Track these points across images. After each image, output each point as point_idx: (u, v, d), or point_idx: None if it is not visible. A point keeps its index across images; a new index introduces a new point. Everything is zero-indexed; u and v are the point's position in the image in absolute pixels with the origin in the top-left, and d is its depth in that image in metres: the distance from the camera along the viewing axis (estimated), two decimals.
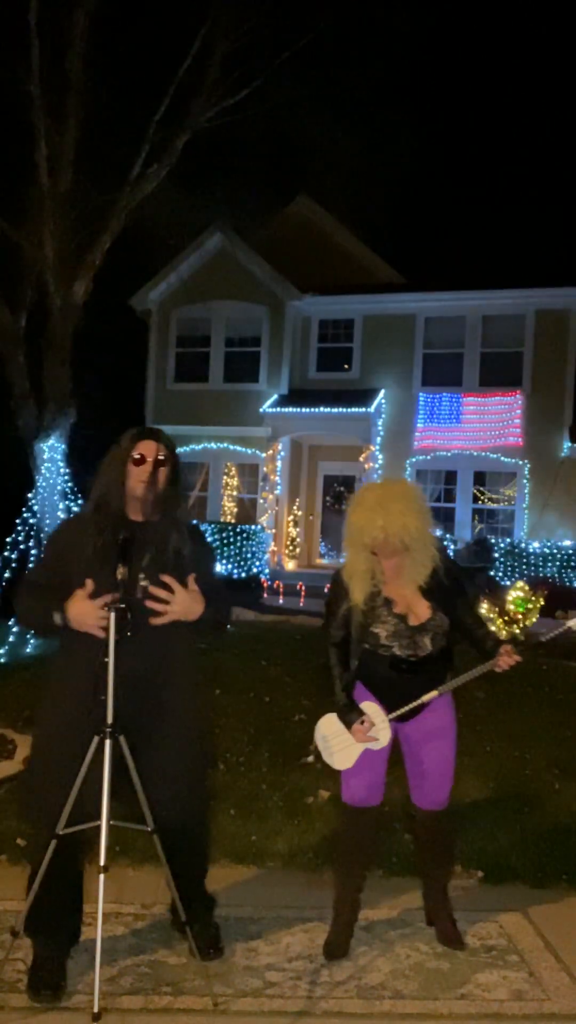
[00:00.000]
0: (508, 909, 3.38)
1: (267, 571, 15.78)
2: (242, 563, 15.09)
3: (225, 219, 17.13)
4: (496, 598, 9.90)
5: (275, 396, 16.79)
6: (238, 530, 15.45)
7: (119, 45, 12.77)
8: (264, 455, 16.62)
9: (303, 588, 14.51)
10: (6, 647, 8.19)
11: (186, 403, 17.14)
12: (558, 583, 13.96)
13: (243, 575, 14.96)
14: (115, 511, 2.69)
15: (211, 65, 13.28)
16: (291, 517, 17.11)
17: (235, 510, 17.45)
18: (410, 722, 2.97)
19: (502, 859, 3.77)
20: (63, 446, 13.41)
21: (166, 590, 2.63)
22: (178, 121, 13.53)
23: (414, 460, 16.52)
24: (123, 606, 2.46)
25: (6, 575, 8.88)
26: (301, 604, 13.52)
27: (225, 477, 17.35)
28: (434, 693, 2.89)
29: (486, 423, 16.20)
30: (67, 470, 11.45)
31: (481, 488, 16.49)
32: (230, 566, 14.99)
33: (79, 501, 10.72)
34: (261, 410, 16.51)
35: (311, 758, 3.06)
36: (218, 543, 14.93)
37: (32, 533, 9.76)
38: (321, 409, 16.01)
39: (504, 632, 9.37)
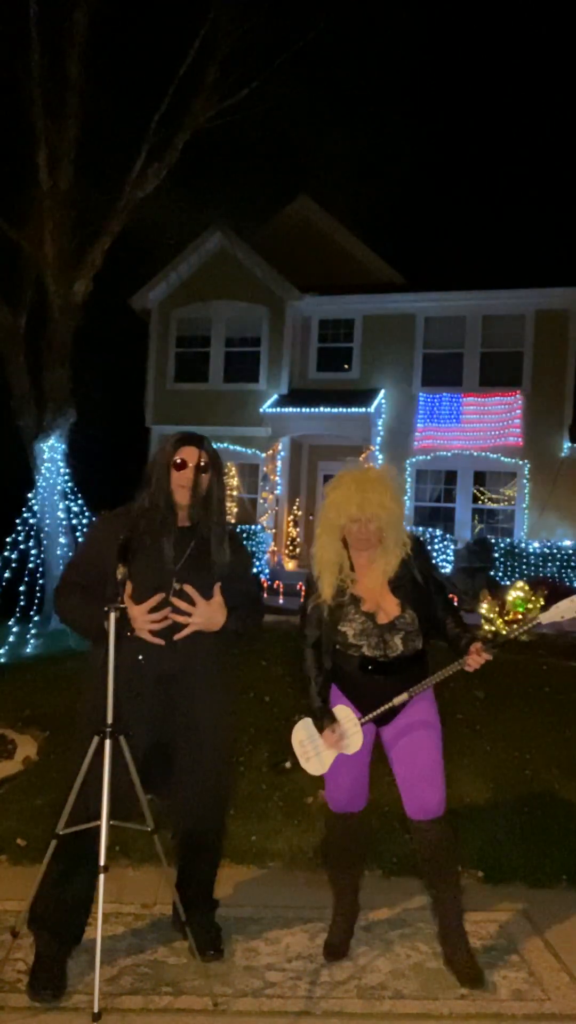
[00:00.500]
0: (508, 909, 3.38)
1: (267, 571, 15.78)
2: None
3: (225, 219, 17.12)
4: (496, 598, 9.90)
5: (275, 396, 16.79)
6: (238, 530, 15.45)
7: (119, 45, 12.77)
8: (264, 455, 16.62)
9: (303, 588, 14.48)
10: (6, 647, 8.19)
11: (186, 403, 17.14)
12: (558, 583, 13.95)
13: None
14: (160, 515, 2.70)
15: (211, 65, 13.28)
16: (291, 517, 17.11)
17: (235, 510, 17.45)
18: (389, 726, 2.88)
19: (502, 859, 3.77)
20: (63, 446, 13.41)
21: (188, 601, 2.65)
22: (178, 121, 13.52)
23: (414, 460, 16.52)
24: (123, 606, 2.47)
25: (6, 575, 8.88)
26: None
27: (225, 477, 17.36)
28: (404, 696, 2.78)
29: (486, 423, 16.20)
30: (67, 470, 11.46)
31: (481, 488, 16.49)
32: None
33: (79, 501, 10.73)
34: (261, 410, 16.51)
35: (288, 764, 3.01)
36: None
37: (32, 533, 9.76)
38: (321, 409, 16.01)
39: (504, 632, 9.37)
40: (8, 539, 9.37)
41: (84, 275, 13.13)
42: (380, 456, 16.45)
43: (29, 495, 10.44)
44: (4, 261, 13.27)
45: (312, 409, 16.07)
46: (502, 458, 16.04)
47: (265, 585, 15.14)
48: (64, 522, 11.03)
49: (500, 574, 14.62)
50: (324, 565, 2.89)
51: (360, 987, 2.80)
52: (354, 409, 15.96)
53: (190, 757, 2.71)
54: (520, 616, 9.62)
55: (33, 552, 9.61)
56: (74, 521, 10.76)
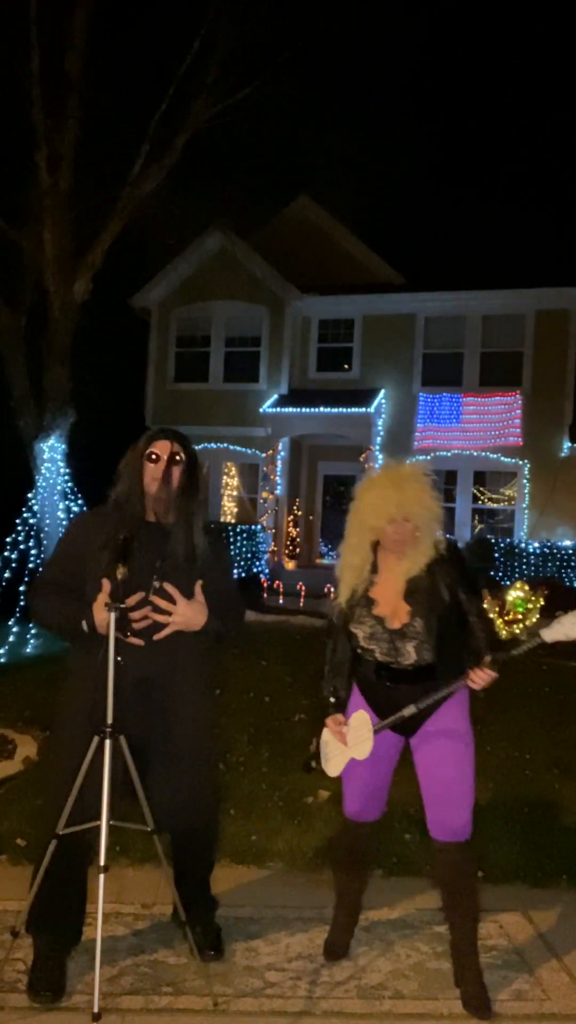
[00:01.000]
0: (508, 909, 3.38)
1: (267, 571, 15.78)
2: (242, 563, 15.09)
3: (225, 219, 17.12)
4: (496, 598, 9.90)
5: (275, 396, 16.79)
6: (238, 530, 15.45)
7: (119, 45, 12.77)
8: (264, 455, 16.62)
9: (303, 588, 14.51)
10: (6, 647, 8.19)
11: (186, 403, 17.14)
12: (558, 583, 13.95)
13: (243, 575, 14.95)
14: (131, 510, 2.68)
15: (211, 65, 13.28)
16: (291, 517, 17.11)
17: (235, 510, 17.45)
18: (416, 735, 2.78)
19: (502, 859, 3.77)
20: (63, 446, 13.41)
21: (168, 600, 2.63)
22: (178, 121, 13.53)
23: (414, 460, 16.44)
24: (123, 606, 2.46)
25: (6, 575, 8.88)
26: (301, 604, 13.52)
27: (225, 477, 17.35)
28: (412, 708, 2.68)
29: (486, 423, 16.20)
30: (67, 470, 11.46)
31: (481, 488, 16.49)
32: None
33: (79, 501, 10.73)
34: (261, 410, 16.51)
35: (314, 763, 3.00)
36: None
37: (32, 533, 9.76)
38: (321, 409, 16.01)
39: (505, 632, 9.37)
40: (8, 539, 9.37)
41: (84, 275, 13.14)
42: (380, 456, 16.45)
43: (29, 495, 10.44)
44: (4, 261, 13.28)
45: (312, 409, 16.07)
46: (502, 458, 16.04)
47: (265, 585, 15.15)
48: (64, 522, 11.03)
49: (500, 574, 14.62)
50: (347, 568, 2.80)
51: (360, 987, 2.80)
52: (354, 409, 15.96)
53: (172, 759, 2.70)
54: (519, 616, 9.62)
55: (33, 552, 9.61)
56: None
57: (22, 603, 8.95)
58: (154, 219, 14.40)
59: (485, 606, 9.73)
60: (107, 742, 2.44)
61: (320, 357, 17.40)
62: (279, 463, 16.55)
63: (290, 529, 17.07)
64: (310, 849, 3.82)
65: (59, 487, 11.33)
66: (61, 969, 2.72)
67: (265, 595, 14.52)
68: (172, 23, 13.26)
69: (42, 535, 10.37)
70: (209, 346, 17.48)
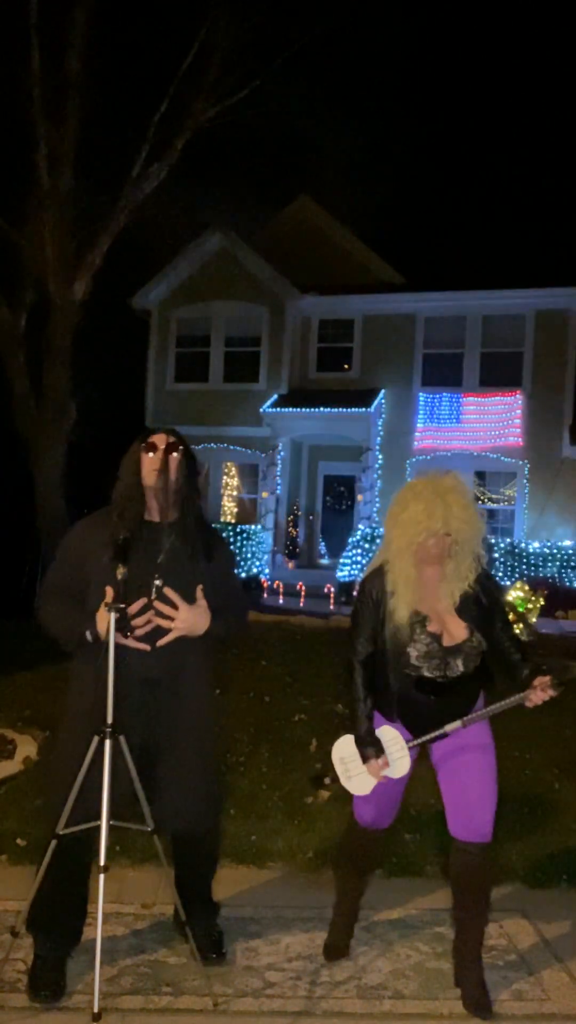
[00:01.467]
0: (508, 909, 3.37)
1: (267, 571, 15.78)
2: (242, 563, 15.09)
3: (225, 219, 17.14)
4: None
5: (275, 396, 16.79)
6: (238, 530, 15.46)
7: (119, 45, 12.78)
8: (264, 455, 16.62)
9: (303, 588, 14.51)
10: (6, 647, 8.19)
11: (186, 403, 17.14)
12: (558, 583, 13.96)
13: (243, 575, 14.96)
14: (132, 509, 2.69)
15: (211, 65, 13.29)
16: (291, 517, 17.10)
17: (235, 510, 17.44)
18: (439, 747, 2.74)
19: (502, 859, 3.77)
20: (63, 446, 13.43)
21: (171, 605, 2.63)
22: (178, 121, 13.53)
23: (414, 460, 16.52)
24: (123, 606, 2.46)
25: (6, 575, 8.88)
26: (301, 604, 13.52)
27: (225, 477, 17.35)
28: (457, 724, 2.64)
29: (486, 423, 16.20)
30: (67, 470, 11.47)
31: (481, 488, 16.49)
32: None
33: (79, 501, 10.74)
34: (261, 410, 16.51)
35: (328, 780, 2.91)
36: None
37: (32, 532, 9.77)
38: (321, 409, 16.01)
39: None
40: (8, 539, 9.38)
41: (84, 275, 13.15)
42: (380, 456, 16.46)
43: (29, 495, 10.45)
44: (4, 261, 13.28)
45: (312, 409, 16.07)
46: (502, 458, 16.04)
47: (265, 585, 15.14)
48: (64, 522, 11.03)
49: (500, 574, 14.62)
50: (402, 581, 2.65)
51: (360, 987, 2.80)
52: (354, 409, 15.96)
53: (176, 760, 2.70)
54: (519, 616, 9.62)
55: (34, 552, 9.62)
56: (74, 521, 10.77)
57: (21, 602, 8.96)
58: (154, 219, 14.41)
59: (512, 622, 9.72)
60: (107, 742, 2.44)
61: (320, 357, 17.40)
62: (279, 463, 16.55)
63: (290, 529, 17.06)
64: (310, 849, 3.82)
65: (59, 487, 11.35)
66: (61, 969, 2.71)
67: (265, 595, 14.52)
68: (172, 23, 13.26)
69: (42, 535, 10.38)
70: (209, 346, 17.47)
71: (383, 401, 16.67)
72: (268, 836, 3.94)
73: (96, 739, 2.47)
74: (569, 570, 14.57)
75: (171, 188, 14.22)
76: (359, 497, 16.32)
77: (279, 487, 16.60)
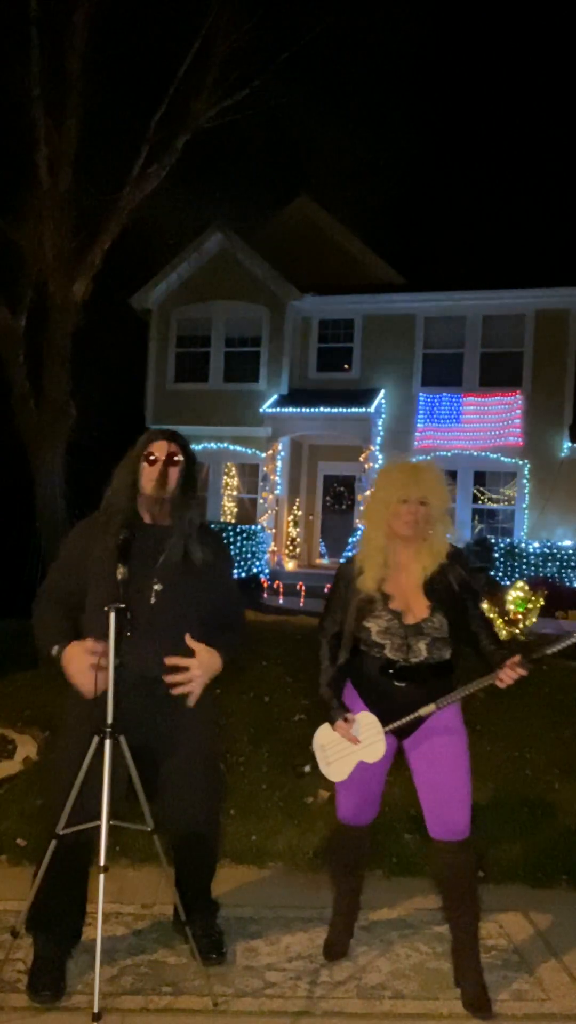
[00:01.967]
0: (508, 909, 3.37)
1: (267, 571, 15.77)
2: (242, 563, 15.09)
3: (225, 219, 17.12)
4: (496, 598, 9.89)
5: (275, 396, 16.79)
6: (238, 530, 15.45)
7: (119, 45, 12.78)
8: (264, 455, 16.62)
9: (303, 588, 14.51)
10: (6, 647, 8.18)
11: (186, 403, 17.14)
12: (558, 583, 13.96)
13: (243, 575, 14.96)
14: (127, 513, 2.68)
15: (211, 65, 13.28)
16: (291, 517, 17.10)
17: (235, 510, 17.44)
18: (411, 736, 2.77)
19: (502, 859, 3.77)
20: (63, 446, 13.42)
21: (170, 612, 2.64)
22: (178, 121, 13.53)
23: (414, 460, 16.51)
24: (123, 606, 2.46)
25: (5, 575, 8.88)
26: (301, 604, 13.51)
27: (225, 477, 17.35)
28: (431, 707, 2.66)
29: (486, 423, 16.20)
30: (67, 470, 11.46)
31: (481, 488, 16.49)
32: None
33: (79, 501, 10.73)
34: (261, 410, 16.51)
35: (307, 767, 2.96)
36: None
37: (32, 532, 9.77)
38: (321, 409, 16.01)
39: (504, 632, 9.36)
40: (7, 539, 9.37)
41: (84, 275, 13.14)
42: (380, 456, 16.45)
43: (29, 495, 10.44)
44: (4, 261, 13.27)
45: (312, 409, 16.07)
46: (502, 458, 16.04)
47: (265, 585, 15.14)
48: (64, 522, 11.03)
49: (500, 574, 14.62)
50: (370, 552, 2.77)
51: (360, 987, 2.80)
52: (354, 409, 15.96)
53: (176, 760, 2.70)
54: (520, 616, 9.62)
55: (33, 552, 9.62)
56: (74, 521, 10.76)
57: (21, 602, 8.96)
58: (154, 219, 14.40)
59: (484, 606, 9.73)
60: (107, 742, 2.44)
61: (320, 357, 17.40)
62: (279, 463, 16.55)
63: (290, 529, 17.06)
64: (310, 849, 3.82)
65: (59, 487, 11.34)
66: (61, 969, 2.71)
67: (265, 595, 14.52)
68: (172, 23, 13.26)
69: (42, 535, 10.37)
70: (209, 346, 17.47)
71: (383, 401, 16.66)
72: (268, 836, 3.94)
73: (96, 739, 2.47)
74: (569, 570, 14.57)
75: (171, 188, 14.21)
76: (359, 497, 16.32)
77: (279, 487, 16.60)
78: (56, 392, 13.13)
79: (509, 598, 9.80)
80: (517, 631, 9.55)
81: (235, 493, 17.52)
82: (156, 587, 2.65)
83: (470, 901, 2.75)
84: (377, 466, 16.37)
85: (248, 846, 3.82)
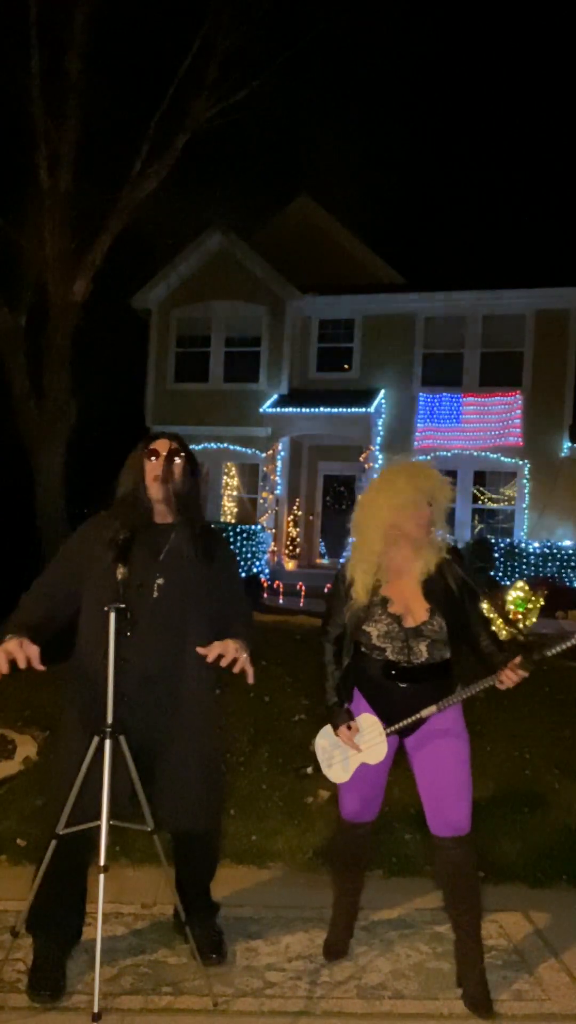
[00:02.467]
0: (508, 909, 3.37)
1: (267, 571, 15.77)
2: (242, 563, 15.09)
3: (225, 219, 17.12)
4: (496, 598, 9.89)
5: (275, 396, 16.78)
6: (238, 530, 15.45)
7: (119, 45, 12.78)
8: (264, 455, 16.61)
9: (303, 588, 14.50)
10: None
11: (186, 403, 17.14)
12: (558, 583, 13.96)
13: (243, 575, 14.97)
14: (135, 511, 2.70)
15: (211, 65, 13.28)
16: (291, 517, 17.10)
17: (235, 510, 17.44)
18: (413, 736, 2.77)
19: (502, 859, 3.77)
20: (63, 446, 13.42)
21: (173, 607, 2.67)
22: (178, 121, 13.52)
23: (414, 460, 16.50)
24: (123, 606, 2.46)
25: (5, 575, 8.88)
26: (301, 604, 13.51)
27: (225, 477, 17.35)
28: (433, 708, 2.68)
29: (486, 423, 16.20)
30: (67, 470, 11.46)
31: (481, 488, 16.49)
32: None
33: (78, 501, 10.74)
34: (261, 410, 16.51)
35: (309, 769, 2.96)
36: None
37: (32, 532, 9.77)
38: (321, 409, 16.01)
39: (504, 632, 9.36)
40: (7, 539, 9.38)
41: (84, 275, 13.14)
42: (380, 456, 16.45)
43: (29, 495, 10.44)
44: (4, 261, 13.27)
45: (312, 409, 16.07)
46: (502, 458, 16.04)
47: (265, 585, 15.14)
48: (64, 522, 11.03)
49: (500, 574, 14.62)
50: (361, 563, 2.75)
51: (360, 987, 2.80)
52: (354, 409, 15.96)
53: (177, 758, 2.70)
54: (519, 616, 9.62)
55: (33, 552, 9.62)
56: (74, 522, 10.76)
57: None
58: (154, 219, 14.39)
59: (484, 606, 9.70)
60: (107, 742, 2.45)
61: (320, 357, 17.40)
62: (279, 463, 16.55)
63: (290, 529, 17.06)
64: (310, 849, 3.82)
65: (59, 487, 11.33)
66: (61, 969, 2.72)
67: (265, 595, 14.51)
68: (172, 23, 13.26)
69: (42, 535, 10.37)
70: (209, 346, 17.47)
71: (383, 401, 16.66)
72: (268, 836, 3.95)
73: (96, 739, 2.47)
74: (569, 570, 14.57)
75: (171, 188, 14.20)
76: (359, 497, 16.30)
77: (279, 487, 16.60)
78: (56, 392, 13.13)
79: (509, 598, 9.80)
80: (517, 631, 9.55)
81: (235, 493, 17.52)
82: (159, 581, 2.66)
83: (472, 898, 2.75)
84: (377, 466, 16.37)
85: (248, 846, 3.83)
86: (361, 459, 16.26)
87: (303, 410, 16.15)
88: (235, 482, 17.49)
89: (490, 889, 3.54)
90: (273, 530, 16.40)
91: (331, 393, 16.41)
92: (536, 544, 15.06)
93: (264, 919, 3.22)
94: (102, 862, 2.40)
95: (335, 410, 15.93)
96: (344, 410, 15.92)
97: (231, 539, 14.90)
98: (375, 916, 3.27)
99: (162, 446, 2.75)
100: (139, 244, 15.41)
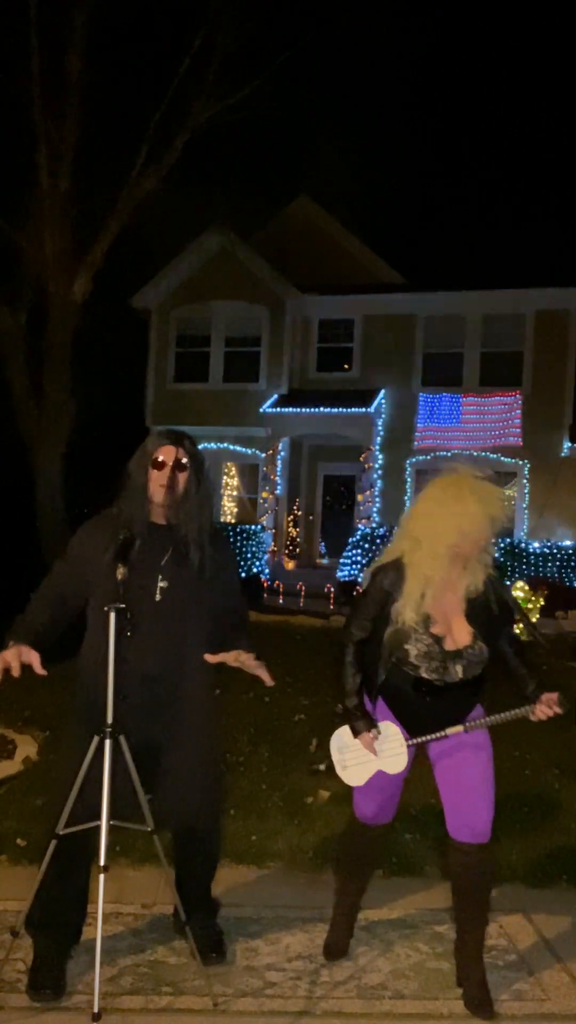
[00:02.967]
0: (508, 909, 3.37)
1: (267, 571, 15.77)
2: (242, 563, 15.09)
3: (225, 219, 17.12)
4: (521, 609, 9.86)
5: (275, 396, 16.78)
6: (238, 530, 15.45)
7: (119, 45, 12.79)
8: (264, 455, 16.61)
9: (303, 588, 14.50)
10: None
11: (186, 403, 17.13)
12: (558, 583, 13.95)
13: (243, 575, 14.97)
14: (137, 513, 2.69)
15: (211, 65, 13.29)
16: (291, 517, 17.10)
17: (235, 510, 17.44)
18: (436, 744, 2.72)
19: (502, 859, 3.77)
20: (63, 446, 13.43)
21: (175, 608, 2.68)
22: (178, 121, 13.53)
23: (414, 460, 16.52)
24: (123, 606, 2.46)
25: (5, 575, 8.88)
26: (301, 604, 13.51)
27: (225, 477, 17.35)
28: (459, 728, 2.64)
29: (486, 423, 16.20)
30: (67, 470, 11.46)
31: None
32: None
33: (78, 500, 10.74)
34: (261, 410, 16.51)
35: (322, 766, 2.93)
36: None
37: (32, 532, 9.77)
38: (321, 409, 16.01)
39: (524, 635, 9.34)
40: (7, 539, 9.38)
41: (84, 275, 13.15)
42: (380, 456, 16.45)
43: (29, 495, 10.45)
44: (4, 261, 13.28)
45: (312, 409, 16.07)
46: (502, 458, 16.04)
47: (265, 585, 15.14)
48: (63, 522, 11.02)
49: (500, 574, 14.60)
50: (421, 581, 2.58)
51: (360, 987, 2.80)
52: (354, 409, 15.95)
53: (177, 758, 2.70)
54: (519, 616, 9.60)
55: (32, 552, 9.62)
56: (73, 523, 10.77)
57: (21, 602, 8.96)
58: (154, 219, 14.40)
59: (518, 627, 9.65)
60: (107, 742, 2.45)
61: (320, 357, 17.40)
62: (279, 463, 16.55)
63: (290, 529, 17.06)
64: (310, 849, 3.82)
65: (59, 486, 11.33)
66: (61, 969, 2.71)
67: (265, 595, 14.51)
68: (172, 23, 13.26)
69: (41, 535, 10.37)
70: (209, 346, 17.47)
71: (383, 401, 16.66)
72: (268, 836, 3.94)
73: (96, 739, 2.47)
74: (569, 570, 14.56)
75: (171, 188, 14.21)
76: (359, 497, 16.32)
77: (279, 487, 16.60)
78: (56, 392, 13.14)
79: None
80: (517, 630, 9.53)
81: (235, 493, 17.52)
82: (161, 584, 2.66)
83: (483, 904, 2.73)
84: (377, 466, 16.38)
85: (248, 846, 3.82)
86: (361, 459, 16.26)
87: (303, 410, 16.15)
88: (235, 482, 17.49)
89: None
90: (273, 530, 16.40)
91: (331, 393, 16.41)
92: (536, 544, 15.06)
93: (264, 919, 3.22)
94: (102, 862, 2.40)
95: (335, 410, 15.93)
96: (344, 410, 15.92)
97: (231, 539, 14.90)
98: (375, 916, 3.27)
99: (168, 454, 2.69)
100: (139, 244, 15.43)
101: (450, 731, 2.66)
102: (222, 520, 16.85)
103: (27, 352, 13.32)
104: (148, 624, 2.60)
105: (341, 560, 15.02)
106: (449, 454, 16.16)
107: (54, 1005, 2.61)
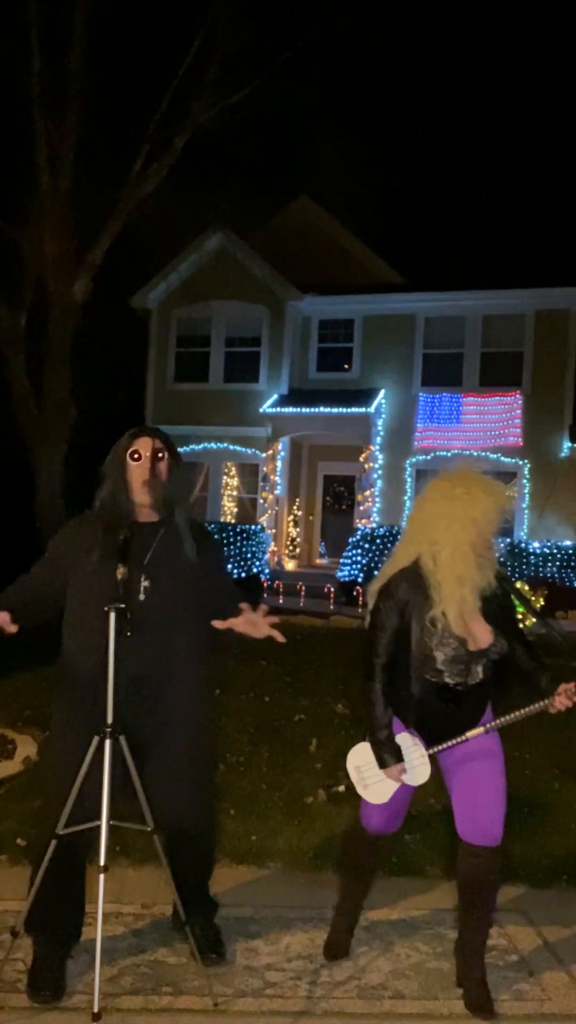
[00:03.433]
0: (508, 909, 3.37)
1: (267, 571, 15.77)
2: (242, 563, 15.09)
3: (225, 219, 17.12)
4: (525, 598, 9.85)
5: (275, 396, 16.79)
6: (238, 530, 15.45)
7: (119, 45, 12.80)
8: (264, 455, 16.61)
9: (303, 588, 14.50)
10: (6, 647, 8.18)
11: (186, 403, 17.14)
12: (558, 583, 13.96)
13: (243, 575, 14.96)
14: (118, 511, 2.69)
15: (211, 65, 13.30)
16: (291, 517, 17.10)
17: (235, 510, 17.44)
18: (450, 751, 2.71)
19: (502, 859, 3.76)
20: (63, 446, 13.43)
21: (162, 607, 2.69)
22: (178, 121, 13.54)
23: (414, 460, 16.52)
24: (123, 606, 2.46)
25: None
26: (301, 604, 13.52)
27: (225, 477, 17.35)
28: (480, 730, 2.64)
29: (486, 423, 16.20)
30: (66, 469, 11.46)
31: None
32: (230, 566, 14.98)
33: (78, 501, 10.74)
34: (261, 410, 16.51)
35: (343, 788, 2.90)
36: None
37: (32, 532, 9.76)
38: (321, 409, 16.01)
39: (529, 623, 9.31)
40: (7, 538, 9.38)
41: (84, 275, 13.16)
42: (380, 456, 16.45)
43: (29, 494, 10.45)
44: (4, 261, 13.29)
45: (312, 409, 16.07)
46: (502, 458, 16.03)
47: (265, 585, 15.14)
48: (63, 522, 11.02)
49: None
50: (456, 582, 2.52)
51: (360, 987, 2.80)
52: (354, 409, 15.96)
53: (165, 757, 2.70)
54: (520, 616, 9.59)
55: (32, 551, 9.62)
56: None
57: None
58: (154, 219, 14.41)
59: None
60: (107, 742, 2.44)
61: (320, 357, 17.40)
62: (279, 463, 16.55)
63: (290, 529, 17.06)
64: (310, 849, 3.82)
65: (59, 487, 11.33)
66: (61, 969, 2.71)
67: (265, 595, 14.52)
68: (172, 23, 13.28)
69: (41, 535, 10.36)
70: (209, 346, 17.47)
71: (383, 401, 16.67)
72: (268, 836, 3.94)
73: (96, 739, 2.47)
74: (569, 570, 14.56)
75: (171, 188, 14.21)
76: (359, 497, 16.32)
77: (279, 487, 16.60)
78: (56, 392, 13.15)
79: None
80: (550, 628, 9.49)
81: (235, 493, 17.52)
82: (144, 583, 2.65)
83: (489, 906, 2.73)
84: (377, 466, 16.38)
85: (248, 846, 3.82)
86: (361, 459, 16.26)
87: (303, 410, 16.16)
88: (235, 482, 17.49)
89: None
90: (273, 530, 16.40)
91: (331, 393, 16.42)
92: (536, 544, 15.06)
93: (264, 919, 3.22)
94: (102, 862, 2.40)
95: (335, 410, 15.94)
96: (344, 410, 15.92)
97: (231, 539, 14.90)
98: (375, 916, 3.26)
99: (144, 446, 2.70)
100: (139, 244, 15.43)
101: (471, 734, 2.65)
102: (222, 520, 16.85)
103: (27, 352, 13.33)
104: (134, 624, 2.59)
105: (341, 560, 15.02)
106: (449, 454, 16.16)
107: (54, 1005, 2.61)
